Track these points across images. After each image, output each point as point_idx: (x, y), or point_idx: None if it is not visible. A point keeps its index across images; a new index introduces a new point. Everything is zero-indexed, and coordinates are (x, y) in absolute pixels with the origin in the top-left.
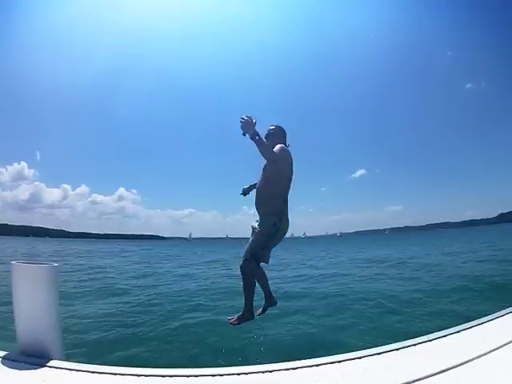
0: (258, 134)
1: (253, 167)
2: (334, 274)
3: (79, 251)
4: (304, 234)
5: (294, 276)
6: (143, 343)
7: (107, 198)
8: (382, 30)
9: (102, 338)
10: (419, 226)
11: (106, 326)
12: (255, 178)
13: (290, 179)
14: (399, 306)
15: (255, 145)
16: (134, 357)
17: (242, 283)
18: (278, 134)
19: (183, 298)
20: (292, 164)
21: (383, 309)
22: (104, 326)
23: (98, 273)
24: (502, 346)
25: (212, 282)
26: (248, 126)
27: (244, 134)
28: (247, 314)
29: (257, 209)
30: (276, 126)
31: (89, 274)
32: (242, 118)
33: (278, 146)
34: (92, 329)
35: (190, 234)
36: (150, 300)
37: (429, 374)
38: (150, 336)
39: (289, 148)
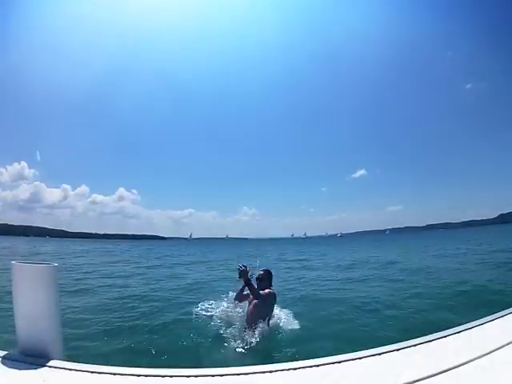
0: (250, 281)
1: (253, 167)
2: (328, 274)
3: (77, 251)
4: (305, 234)
5: (287, 276)
6: (131, 339)
7: (107, 198)
8: (382, 30)
9: (91, 332)
10: (419, 227)
11: (100, 322)
12: (255, 176)
13: (272, 309)
14: (385, 307)
15: (247, 288)
16: (119, 351)
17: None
18: (266, 278)
19: (178, 295)
20: (275, 301)
21: (367, 310)
22: (97, 321)
23: (94, 271)
24: (502, 347)
25: (207, 281)
26: (243, 274)
27: (240, 279)
28: None
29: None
30: (264, 271)
31: (85, 272)
32: (240, 267)
33: (266, 291)
34: (83, 324)
35: (191, 234)
36: (144, 297)
37: (429, 374)
38: (139, 332)
39: (273, 287)
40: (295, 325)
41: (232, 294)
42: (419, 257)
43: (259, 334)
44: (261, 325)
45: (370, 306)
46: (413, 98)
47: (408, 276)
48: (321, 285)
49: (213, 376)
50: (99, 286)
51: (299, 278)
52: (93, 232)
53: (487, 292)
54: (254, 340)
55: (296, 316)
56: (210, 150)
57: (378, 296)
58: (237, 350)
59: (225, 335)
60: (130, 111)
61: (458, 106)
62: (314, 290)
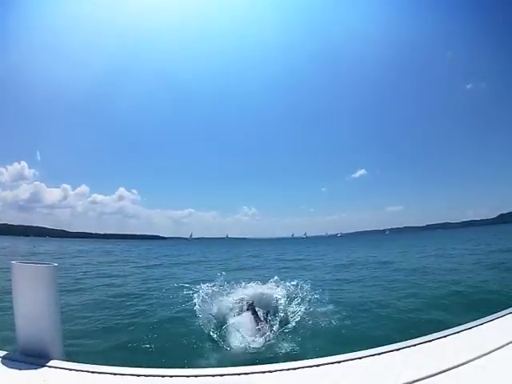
0: (256, 313)
1: (253, 167)
2: (326, 274)
3: (76, 251)
4: (305, 234)
5: (284, 276)
6: (129, 336)
7: (107, 198)
8: (382, 30)
9: (89, 330)
10: (419, 227)
11: (99, 320)
12: (255, 176)
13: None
14: (380, 307)
15: (252, 315)
16: (116, 349)
17: None
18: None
19: (176, 295)
20: None
21: (363, 310)
22: (95, 319)
23: (94, 271)
24: (501, 347)
25: (205, 281)
26: (250, 306)
27: (247, 310)
28: None
29: None
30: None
31: (84, 272)
32: (247, 302)
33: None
34: (81, 322)
35: (191, 234)
36: (141, 295)
37: (429, 374)
38: (137, 330)
39: None
40: (295, 324)
41: (220, 275)
42: (417, 257)
43: (259, 336)
44: (262, 327)
45: (365, 306)
46: (413, 98)
47: (405, 276)
48: (317, 285)
49: (213, 376)
50: (98, 285)
51: (295, 278)
52: (93, 232)
53: (483, 292)
54: (253, 340)
55: (295, 316)
56: (210, 149)
57: (375, 296)
58: (236, 349)
59: (223, 335)
60: (130, 111)
61: (458, 107)
62: (311, 289)
